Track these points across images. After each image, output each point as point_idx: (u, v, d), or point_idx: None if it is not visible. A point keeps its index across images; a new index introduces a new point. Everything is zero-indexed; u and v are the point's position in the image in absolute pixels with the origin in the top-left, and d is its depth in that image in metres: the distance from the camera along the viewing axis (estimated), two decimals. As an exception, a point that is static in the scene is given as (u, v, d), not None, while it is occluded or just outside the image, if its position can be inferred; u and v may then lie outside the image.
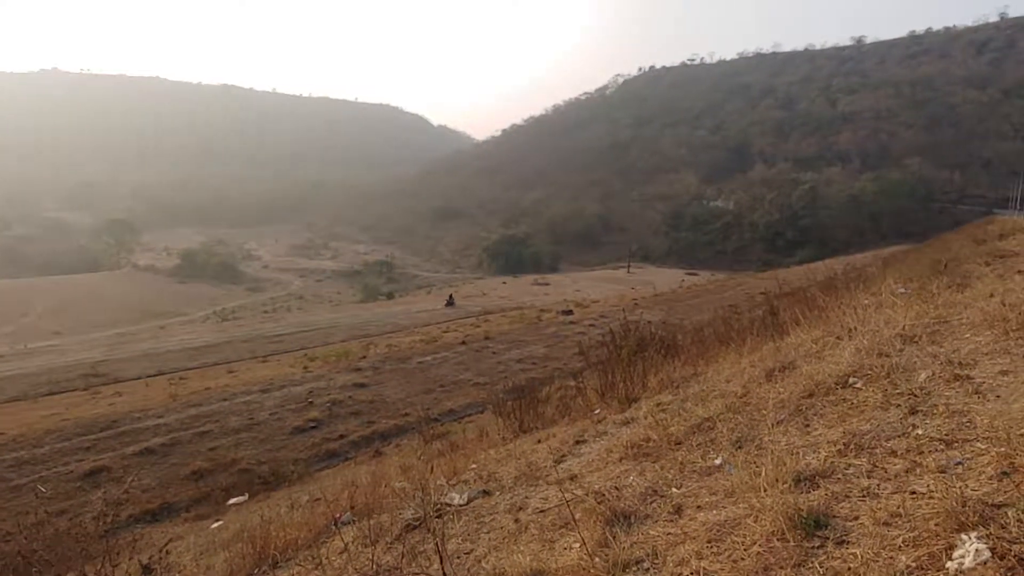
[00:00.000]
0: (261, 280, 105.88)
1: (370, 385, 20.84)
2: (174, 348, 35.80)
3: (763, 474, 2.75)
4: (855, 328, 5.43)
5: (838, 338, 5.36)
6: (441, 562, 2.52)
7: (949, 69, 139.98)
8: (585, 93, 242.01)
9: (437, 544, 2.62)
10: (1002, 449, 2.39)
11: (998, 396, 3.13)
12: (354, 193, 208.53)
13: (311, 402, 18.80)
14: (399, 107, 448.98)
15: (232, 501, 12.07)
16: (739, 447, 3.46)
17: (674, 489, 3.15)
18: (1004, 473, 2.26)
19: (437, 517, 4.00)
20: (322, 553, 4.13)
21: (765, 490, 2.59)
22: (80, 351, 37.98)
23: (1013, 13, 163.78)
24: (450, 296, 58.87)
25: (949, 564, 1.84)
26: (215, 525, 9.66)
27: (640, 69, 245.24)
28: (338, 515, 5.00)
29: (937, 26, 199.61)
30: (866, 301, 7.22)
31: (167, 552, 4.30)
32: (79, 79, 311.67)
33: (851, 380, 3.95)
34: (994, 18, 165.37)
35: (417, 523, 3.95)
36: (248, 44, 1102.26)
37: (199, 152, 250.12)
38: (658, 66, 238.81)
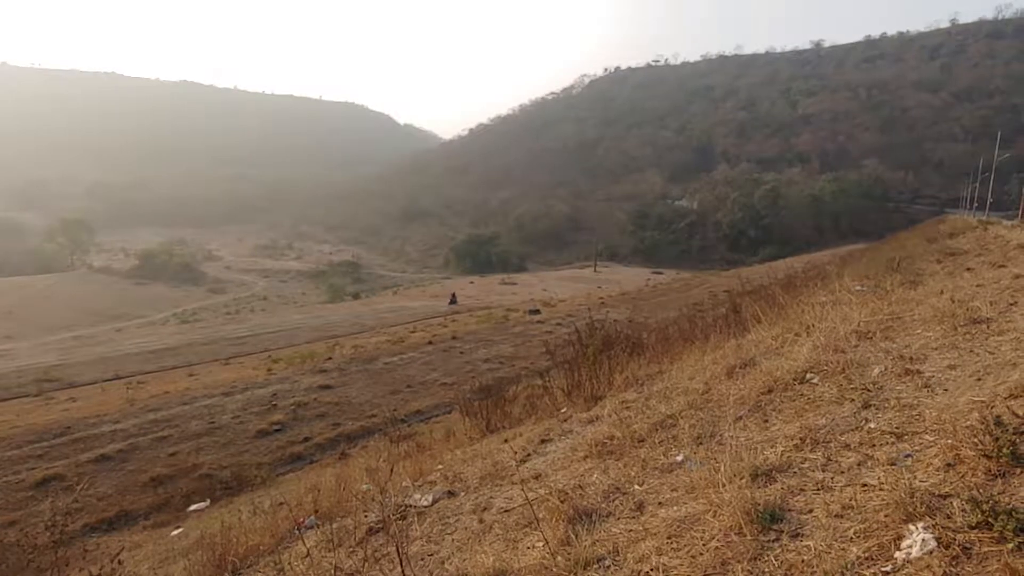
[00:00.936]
0: (223, 281, 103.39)
1: (336, 387, 20.56)
2: (131, 351, 34.75)
3: (722, 470, 2.80)
4: (813, 325, 5.57)
5: (797, 335, 5.49)
6: (401, 565, 2.49)
7: (903, 73, 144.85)
8: (552, 93, 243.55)
9: (398, 547, 2.58)
10: (949, 441, 2.47)
11: (946, 390, 3.24)
12: (319, 193, 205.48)
13: (275, 405, 18.46)
14: (364, 105, 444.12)
15: (193, 507, 11.80)
16: (700, 443, 3.51)
17: (636, 486, 3.17)
18: (950, 465, 2.34)
19: (401, 519, 3.96)
20: (284, 559, 4.05)
21: (724, 485, 2.63)
22: (32, 355, 36.59)
23: (963, 20, 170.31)
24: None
25: (897, 554, 1.90)
26: (175, 532, 9.44)
27: (606, 70, 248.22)
28: (301, 520, 4.92)
29: (891, 31, 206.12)
30: (824, 299, 7.41)
31: (120, 562, 4.16)
32: (28, 74, 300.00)
33: (808, 376, 4.04)
34: (945, 24, 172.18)
35: (381, 526, 3.91)
36: (208, 40, 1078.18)
37: (158, 150, 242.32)
38: (623, 67, 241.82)
